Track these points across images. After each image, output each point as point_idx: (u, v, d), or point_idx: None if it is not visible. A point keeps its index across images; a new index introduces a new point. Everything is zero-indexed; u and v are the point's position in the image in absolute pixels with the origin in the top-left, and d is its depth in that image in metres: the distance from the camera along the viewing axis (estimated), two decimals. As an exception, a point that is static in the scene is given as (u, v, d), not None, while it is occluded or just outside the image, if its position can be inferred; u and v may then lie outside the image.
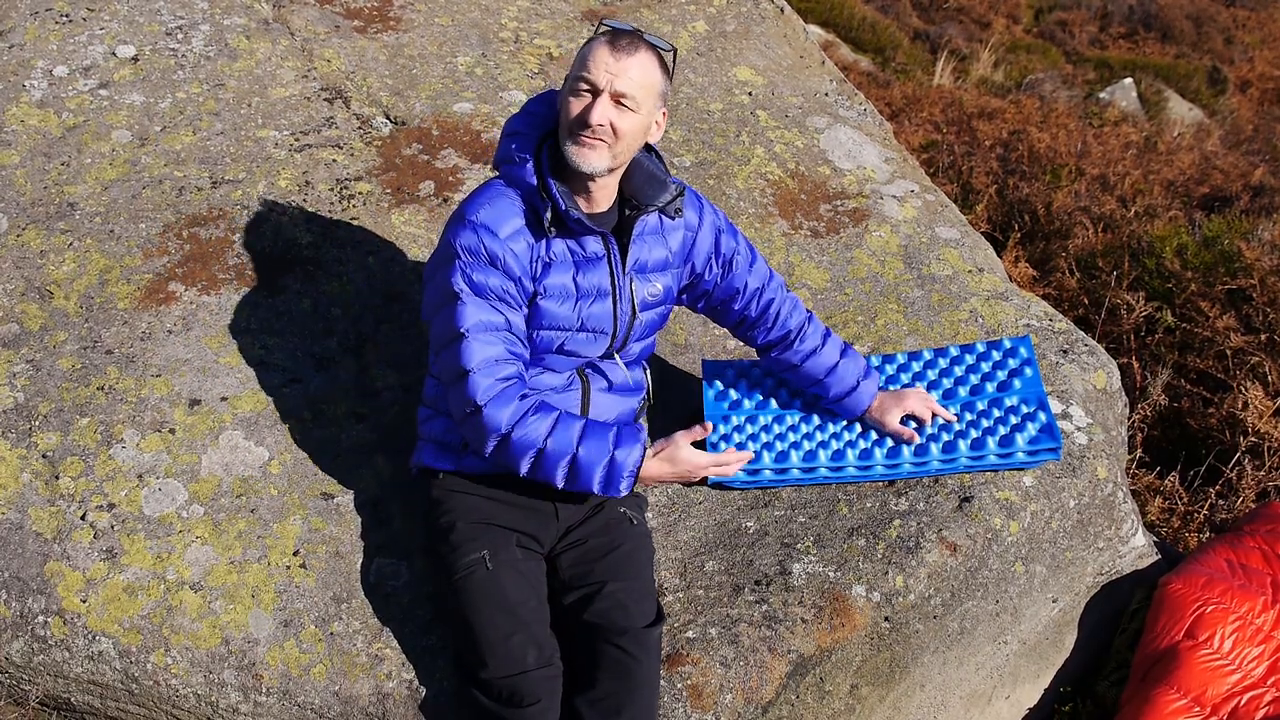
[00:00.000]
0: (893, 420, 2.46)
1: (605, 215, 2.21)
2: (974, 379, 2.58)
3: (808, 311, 2.48)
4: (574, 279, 2.18)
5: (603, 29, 2.08)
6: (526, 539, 2.19)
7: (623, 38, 2.05)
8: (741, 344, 2.72)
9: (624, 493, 2.12)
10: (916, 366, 2.63)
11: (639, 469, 2.12)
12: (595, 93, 2.03)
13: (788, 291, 2.47)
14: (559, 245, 2.16)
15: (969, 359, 2.63)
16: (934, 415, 2.49)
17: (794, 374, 2.49)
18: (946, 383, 2.58)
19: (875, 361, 2.65)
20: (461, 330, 2.08)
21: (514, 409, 2.08)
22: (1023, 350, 2.61)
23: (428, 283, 2.20)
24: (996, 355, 2.62)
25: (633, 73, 2.04)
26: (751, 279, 2.40)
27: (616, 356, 2.32)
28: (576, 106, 2.05)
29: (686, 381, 2.73)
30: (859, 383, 2.47)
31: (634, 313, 2.27)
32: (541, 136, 2.15)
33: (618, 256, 2.22)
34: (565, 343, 2.22)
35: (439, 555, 2.18)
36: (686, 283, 2.38)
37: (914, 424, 2.49)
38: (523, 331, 2.17)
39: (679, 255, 2.32)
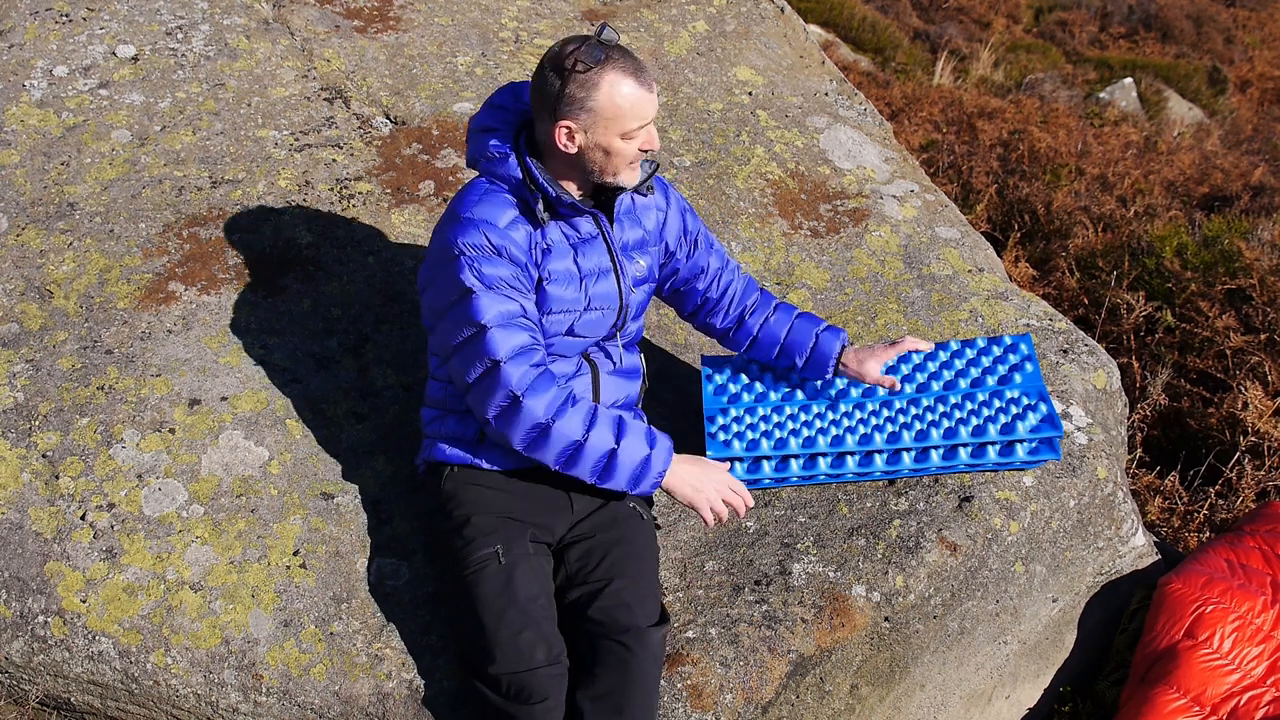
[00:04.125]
0: (873, 370, 2.47)
1: (586, 199, 2.27)
2: (974, 372, 2.58)
3: (757, 285, 2.55)
4: (575, 261, 2.22)
5: (620, 60, 2.09)
6: (540, 531, 2.20)
7: (643, 70, 2.11)
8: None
9: (649, 492, 2.16)
10: (916, 359, 2.62)
11: (667, 469, 2.14)
12: (646, 125, 2.14)
13: (742, 271, 2.55)
14: (554, 232, 2.20)
15: (969, 353, 2.63)
16: (917, 369, 2.57)
17: (755, 347, 2.53)
18: (947, 374, 2.58)
19: None
20: (482, 322, 2.09)
21: (552, 397, 2.10)
22: (1023, 347, 2.61)
23: (426, 289, 2.20)
24: (997, 351, 2.62)
25: None
26: (713, 259, 2.47)
27: (618, 336, 2.36)
28: (648, 141, 2.15)
29: (686, 381, 2.73)
30: (817, 336, 2.48)
31: (631, 288, 2.33)
32: (514, 130, 2.19)
33: (611, 233, 2.27)
34: (574, 324, 2.25)
35: (450, 549, 2.17)
36: (662, 262, 2.44)
37: (904, 370, 2.57)
38: (536, 317, 2.19)
39: (654, 234, 2.38)
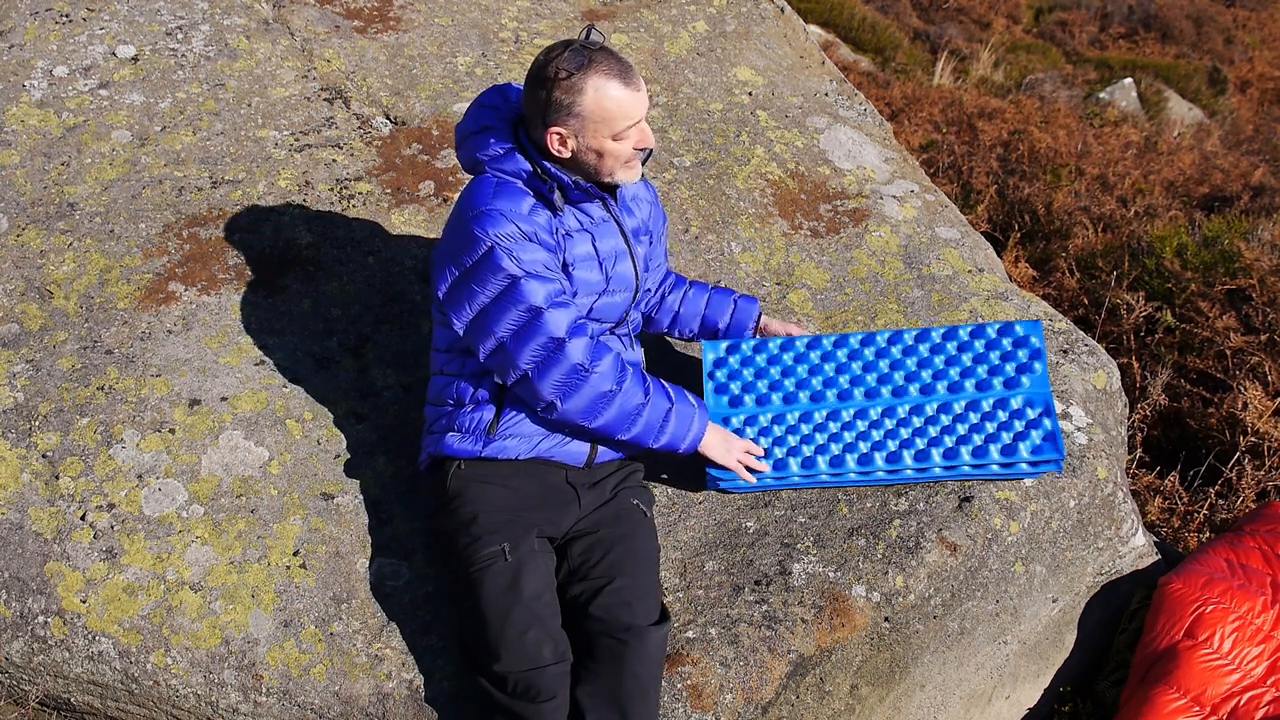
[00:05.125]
0: (782, 329, 2.62)
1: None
2: (981, 370, 2.53)
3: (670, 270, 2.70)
4: (594, 245, 2.27)
5: (604, 62, 2.10)
6: (546, 526, 2.20)
7: (629, 70, 2.13)
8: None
9: (692, 450, 2.30)
10: (924, 350, 2.57)
11: (706, 428, 2.31)
12: (637, 124, 2.17)
13: None
14: (569, 219, 2.24)
15: (978, 345, 2.57)
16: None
17: (678, 321, 2.62)
18: (953, 373, 2.53)
19: (882, 341, 2.59)
20: (536, 305, 2.13)
21: (612, 363, 2.20)
22: (1034, 339, 2.54)
23: (457, 289, 2.18)
24: (1007, 344, 2.55)
25: None
26: (660, 248, 2.54)
27: (626, 322, 2.40)
28: (642, 140, 2.18)
29: (684, 381, 2.73)
30: (735, 303, 2.61)
31: (643, 270, 2.39)
32: (510, 127, 2.22)
33: (621, 215, 2.32)
34: (594, 307, 2.29)
35: (455, 546, 2.16)
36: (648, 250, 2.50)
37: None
38: (571, 296, 2.25)
39: (647, 223, 2.44)
